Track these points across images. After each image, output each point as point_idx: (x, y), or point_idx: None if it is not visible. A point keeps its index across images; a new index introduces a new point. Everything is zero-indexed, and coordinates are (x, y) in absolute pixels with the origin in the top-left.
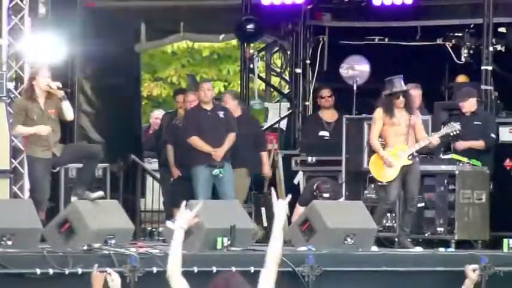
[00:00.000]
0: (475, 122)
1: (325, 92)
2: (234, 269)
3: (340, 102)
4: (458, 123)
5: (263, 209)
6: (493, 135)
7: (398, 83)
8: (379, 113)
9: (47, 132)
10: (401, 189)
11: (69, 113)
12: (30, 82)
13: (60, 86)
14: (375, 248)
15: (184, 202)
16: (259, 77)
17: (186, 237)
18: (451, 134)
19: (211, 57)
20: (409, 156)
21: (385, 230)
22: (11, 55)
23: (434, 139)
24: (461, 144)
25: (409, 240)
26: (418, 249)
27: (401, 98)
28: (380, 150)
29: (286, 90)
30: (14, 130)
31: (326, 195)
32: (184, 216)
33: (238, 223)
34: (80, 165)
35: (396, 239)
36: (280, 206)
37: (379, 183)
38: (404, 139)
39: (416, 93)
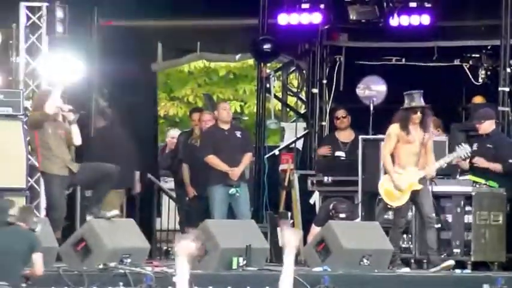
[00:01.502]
0: (488, 145)
1: (340, 113)
2: None
3: (356, 122)
4: (468, 145)
5: (279, 229)
6: (511, 161)
7: (418, 98)
8: (394, 128)
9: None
10: (410, 210)
11: (76, 137)
12: (42, 103)
13: (72, 108)
14: (406, 269)
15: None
16: (276, 97)
17: (202, 257)
18: (462, 157)
19: (227, 77)
20: (420, 180)
21: (401, 251)
22: (28, 73)
23: (431, 171)
24: (481, 162)
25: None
26: (451, 262)
27: (418, 114)
28: (391, 172)
29: (302, 110)
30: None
31: (342, 215)
32: (184, 247)
33: (254, 243)
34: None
35: (426, 260)
36: (291, 235)
37: (389, 206)
38: (416, 160)
39: None
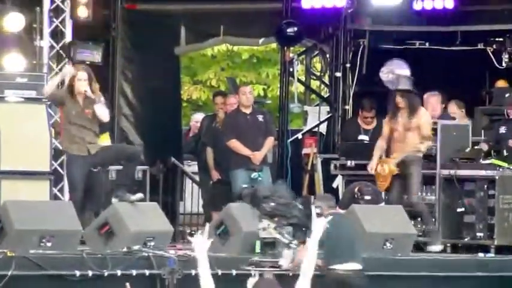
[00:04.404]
0: None
1: (367, 114)
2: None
3: (379, 106)
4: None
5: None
6: None
7: (403, 81)
8: (387, 116)
9: (70, 73)
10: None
11: (103, 115)
12: (71, 82)
13: (97, 87)
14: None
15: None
16: (299, 81)
17: (225, 240)
18: None
19: (250, 61)
20: (396, 165)
21: (423, 234)
22: (52, 57)
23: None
24: None
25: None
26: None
27: (399, 98)
28: (373, 157)
29: (325, 94)
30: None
31: (367, 197)
32: (200, 244)
33: None
34: (120, 167)
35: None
36: (319, 223)
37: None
38: (398, 146)
39: (434, 100)
